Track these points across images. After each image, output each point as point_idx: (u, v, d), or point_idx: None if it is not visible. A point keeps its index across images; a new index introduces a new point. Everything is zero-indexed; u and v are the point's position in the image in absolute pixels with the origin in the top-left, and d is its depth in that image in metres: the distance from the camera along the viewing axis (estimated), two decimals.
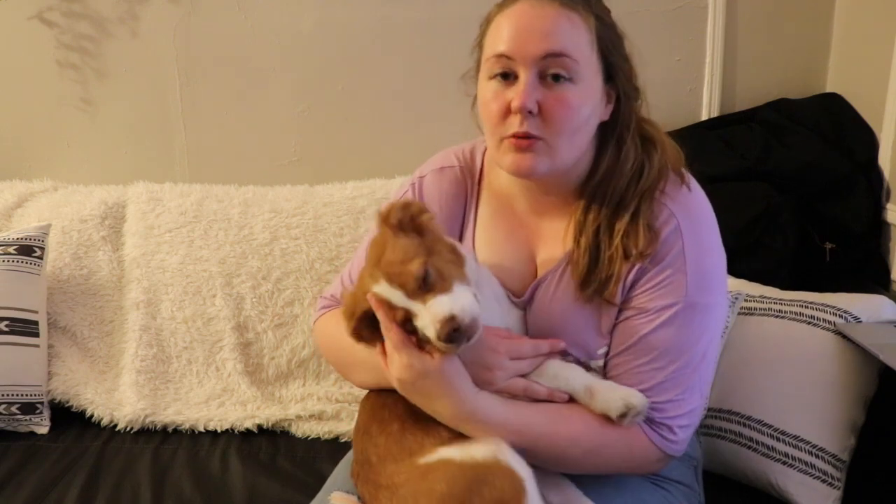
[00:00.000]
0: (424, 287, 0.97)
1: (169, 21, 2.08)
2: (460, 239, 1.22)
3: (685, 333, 1.05)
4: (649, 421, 1.06)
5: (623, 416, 1.02)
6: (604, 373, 1.11)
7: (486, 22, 1.09)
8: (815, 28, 1.96)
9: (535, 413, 1.04)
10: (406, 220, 1.03)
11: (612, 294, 1.07)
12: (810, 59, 1.98)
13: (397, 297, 0.98)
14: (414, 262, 0.97)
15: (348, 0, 2.03)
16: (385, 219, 1.04)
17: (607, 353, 1.10)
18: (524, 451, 1.02)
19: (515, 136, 1.03)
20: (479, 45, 1.10)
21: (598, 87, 1.06)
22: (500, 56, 1.03)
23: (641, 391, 1.05)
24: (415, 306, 0.97)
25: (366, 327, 1.05)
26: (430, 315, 0.95)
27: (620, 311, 1.08)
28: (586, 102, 1.04)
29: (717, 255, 1.10)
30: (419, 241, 1.01)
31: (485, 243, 1.20)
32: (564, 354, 1.11)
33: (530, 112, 1.01)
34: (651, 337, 1.05)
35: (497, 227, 1.20)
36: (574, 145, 1.06)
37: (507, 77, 1.04)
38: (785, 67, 1.98)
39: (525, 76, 1.02)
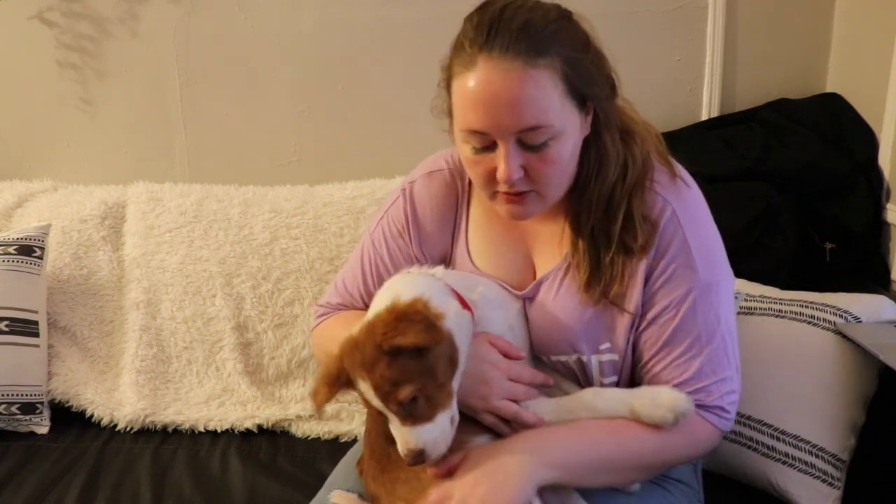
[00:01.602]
0: (406, 410, 0.96)
1: (169, 21, 2.08)
2: (453, 241, 1.23)
3: (709, 314, 1.07)
4: (703, 406, 1.07)
5: (675, 422, 1.03)
6: (626, 372, 1.13)
7: (449, 75, 1.04)
8: (815, 28, 1.96)
9: (596, 430, 1.05)
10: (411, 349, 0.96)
11: (619, 296, 1.07)
12: (810, 59, 1.98)
13: (378, 404, 0.98)
14: (403, 389, 0.95)
15: (348, 0, 2.03)
16: (386, 344, 0.95)
17: (612, 349, 1.11)
18: (599, 473, 1.04)
19: (507, 193, 1.04)
20: (447, 90, 1.06)
21: (576, 123, 1.03)
22: (475, 132, 1.00)
23: (684, 381, 1.07)
24: (392, 417, 0.98)
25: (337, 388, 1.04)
26: (402, 438, 0.97)
27: (642, 316, 1.09)
28: (568, 146, 1.03)
29: (715, 232, 1.12)
30: (418, 362, 0.96)
31: (480, 243, 1.20)
32: (569, 353, 1.12)
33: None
34: (679, 329, 1.07)
35: (491, 227, 1.20)
36: (564, 182, 1.07)
37: (486, 145, 1.02)
38: (785, 67, 1.98)
39: (504, 148, 0.99)
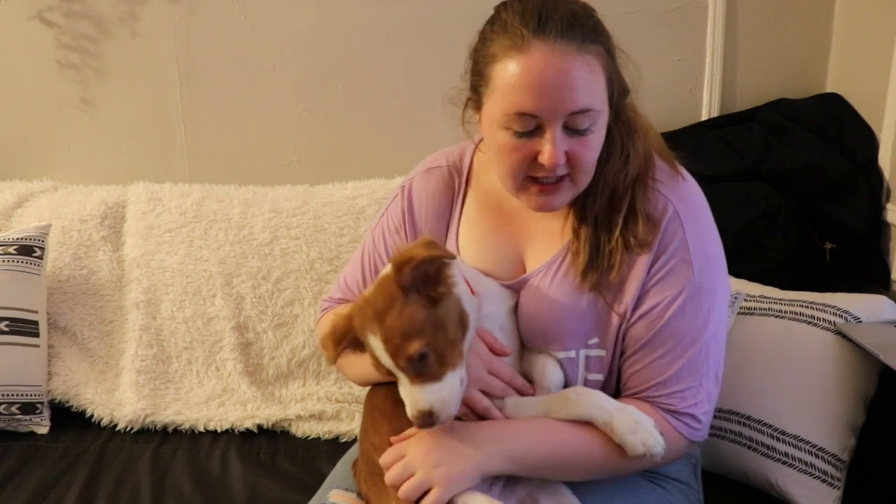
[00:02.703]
0: (416, 368, 0.95)
1: (169, 21, 2.08)
2: (446, 234, 1.24)
3: (695, 319, 1.07)
4: (673, 412, 1.08)
5: (641, 456, 1.02)
6: (613, 371, 1.13)
7: (490, 59, 1.02)
8: (815, 28, 1.96)
9: (563, 432, 1.05)
10: (421, 284, 0.96)
11: (615, 289, 1.08)
12: (810, 59, 1.98)
13: (387, 360, 0.97)
14: (414, 343, 0.94)
15: (348, 0, 2.03)
16: (398, 272, 0.96)
17: (600, 344, 1.12)
18: (563, 468, 1.04)
19: (544, 181, 1.04)
20: (480, 77, 1.04)
21: (608, 112, 1.05)
22: (525, 115, 0.99)
23: (660, 382, 1.07)
24: (401, 376, 0.97)
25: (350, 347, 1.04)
26: (410, 398, 0.96)
27: (633, 311, 1.09)
28: (603, 133, 1.05)
29: (715, 236, 1.12)
30: (429, 312, 0.96)
31: (469, 239, 1.21)
32: (557, 350, 1.12)
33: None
34: (664, 328, 1.07)
35: (483, 223, 1.21)
36: (593, 170, 1.07)
37: (531, 129, 1.01)
38: (785, 67, 1.98)
39: (552, 133, 1.00)
